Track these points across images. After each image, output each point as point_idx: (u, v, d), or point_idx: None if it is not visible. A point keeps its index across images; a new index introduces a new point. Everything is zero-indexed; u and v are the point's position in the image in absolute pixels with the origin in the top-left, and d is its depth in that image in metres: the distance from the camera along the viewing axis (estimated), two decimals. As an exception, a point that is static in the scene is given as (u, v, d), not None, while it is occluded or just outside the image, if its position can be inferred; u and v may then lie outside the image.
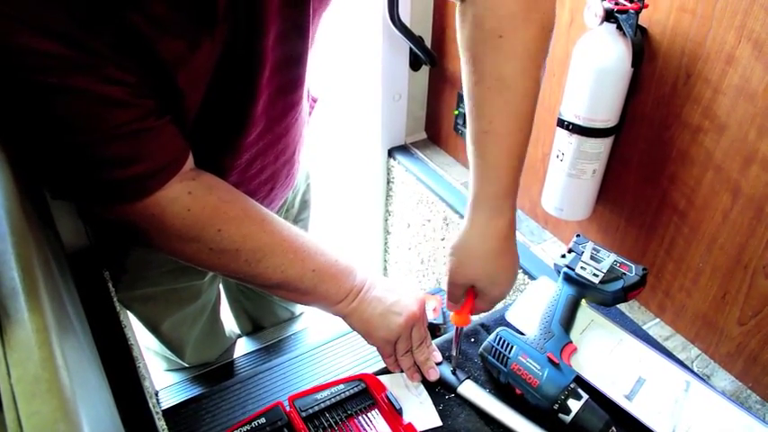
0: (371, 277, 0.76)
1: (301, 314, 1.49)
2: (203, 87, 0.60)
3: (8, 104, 0.51)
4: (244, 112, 0.67)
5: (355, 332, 0.77)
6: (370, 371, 0.80)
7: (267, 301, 1.38)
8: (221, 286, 1.34)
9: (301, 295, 0.72)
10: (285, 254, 0.68)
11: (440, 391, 0.78)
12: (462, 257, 0.74)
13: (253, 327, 1.44)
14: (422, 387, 0.78)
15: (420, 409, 0.75)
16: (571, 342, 0.78)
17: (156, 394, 1.25)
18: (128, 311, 1.06)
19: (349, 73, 1.57)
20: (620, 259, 0.81)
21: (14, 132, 0.55)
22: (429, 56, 1.39)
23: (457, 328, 0.79)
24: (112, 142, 0.55)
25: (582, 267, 0.81)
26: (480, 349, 0.79)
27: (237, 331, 1.45)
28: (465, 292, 0.77)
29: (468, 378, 0.78)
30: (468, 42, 0.65)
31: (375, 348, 0.78)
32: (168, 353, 1.23)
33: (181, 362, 1.25)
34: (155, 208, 0.60)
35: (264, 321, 1.43)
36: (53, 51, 0.47)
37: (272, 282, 0.69)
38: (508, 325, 0.85)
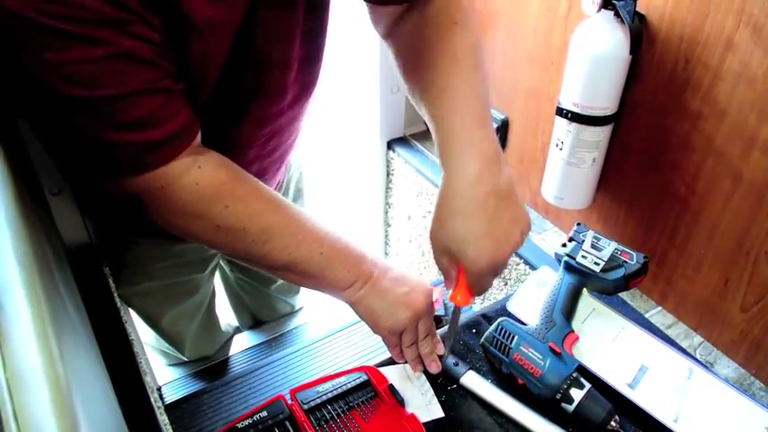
0: (382, 265, 0.74)
1: (301, 308, 1.49)
2: (229, 41, 0.60)
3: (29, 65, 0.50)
4: (278, 80, 0.69)
5: (356, 326, 0.76)
6: (371, 363, 0.80)
7: (267, 295, 1.38)
8: (220, 281, 1.34)
9: (308, 279, 0.71)
10: (293, 235, 0.67)
11: (442, 383, 0.78)
12: (438, 214, 0.67)
13: (253, 321, 1.44)
14: (424, 378, 0.78)
15: (422, 401, 0.75)
16: (573, 331, 0.78)
17: (159, 389, 1.25)
18: (128, 307, 1.06)
19: (347, 65, 1.56)
20: (621, 247, 0.81)
21: (32, 99, 0.54)
22: (427, 47, 1.38)
23: (454, 309, 0.74)
24: (131, 99, 0.54)
25: (583, 256, 0.81)
26: (482, 339, 0.79)
27: (235, 325, 1.45)
28: (453, 264, 0.68)
29: (470, 369, 0.78)
30: (420, 33, 0.69)
31: (376, 342, 0.78)
32: (167, 347, 1.23)
33: (180, 356, 1.26)
34: (163, 180, 0.59)
35: (264, 316, 1.43)
36: (83, 3, 0.47)
37: (278, 263, 0.67)
38: (509, 315, 0.85)
